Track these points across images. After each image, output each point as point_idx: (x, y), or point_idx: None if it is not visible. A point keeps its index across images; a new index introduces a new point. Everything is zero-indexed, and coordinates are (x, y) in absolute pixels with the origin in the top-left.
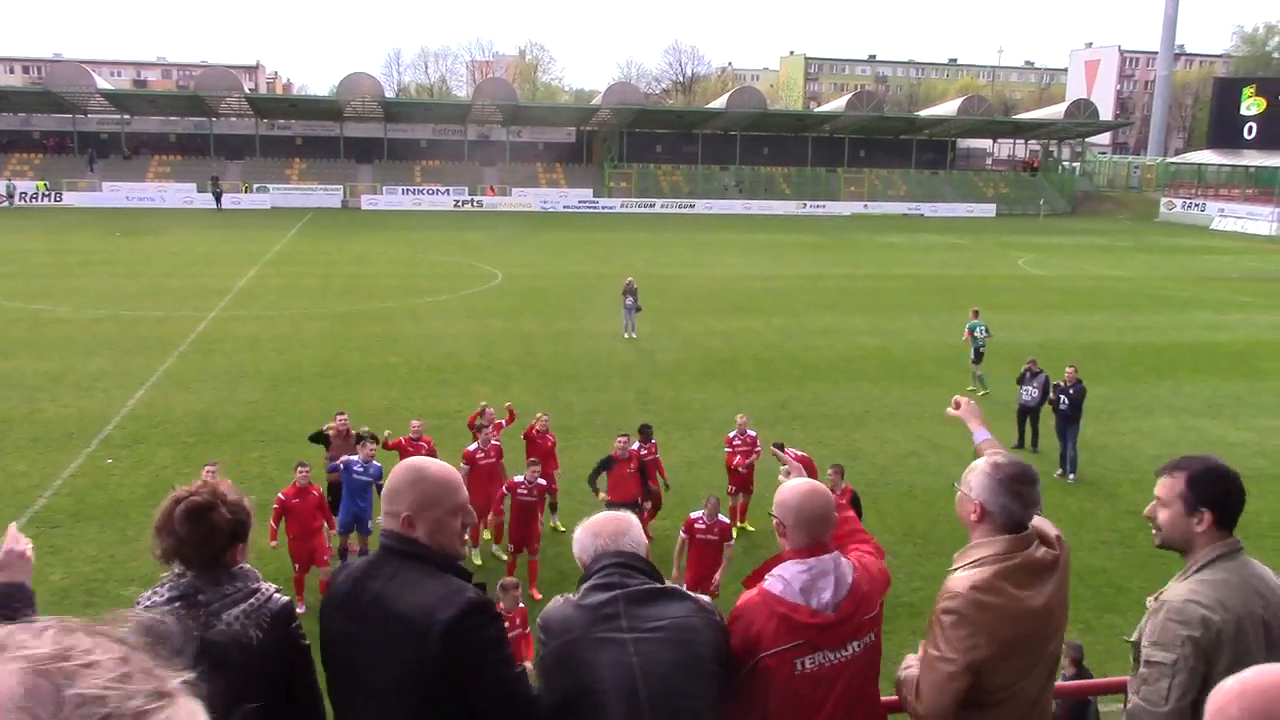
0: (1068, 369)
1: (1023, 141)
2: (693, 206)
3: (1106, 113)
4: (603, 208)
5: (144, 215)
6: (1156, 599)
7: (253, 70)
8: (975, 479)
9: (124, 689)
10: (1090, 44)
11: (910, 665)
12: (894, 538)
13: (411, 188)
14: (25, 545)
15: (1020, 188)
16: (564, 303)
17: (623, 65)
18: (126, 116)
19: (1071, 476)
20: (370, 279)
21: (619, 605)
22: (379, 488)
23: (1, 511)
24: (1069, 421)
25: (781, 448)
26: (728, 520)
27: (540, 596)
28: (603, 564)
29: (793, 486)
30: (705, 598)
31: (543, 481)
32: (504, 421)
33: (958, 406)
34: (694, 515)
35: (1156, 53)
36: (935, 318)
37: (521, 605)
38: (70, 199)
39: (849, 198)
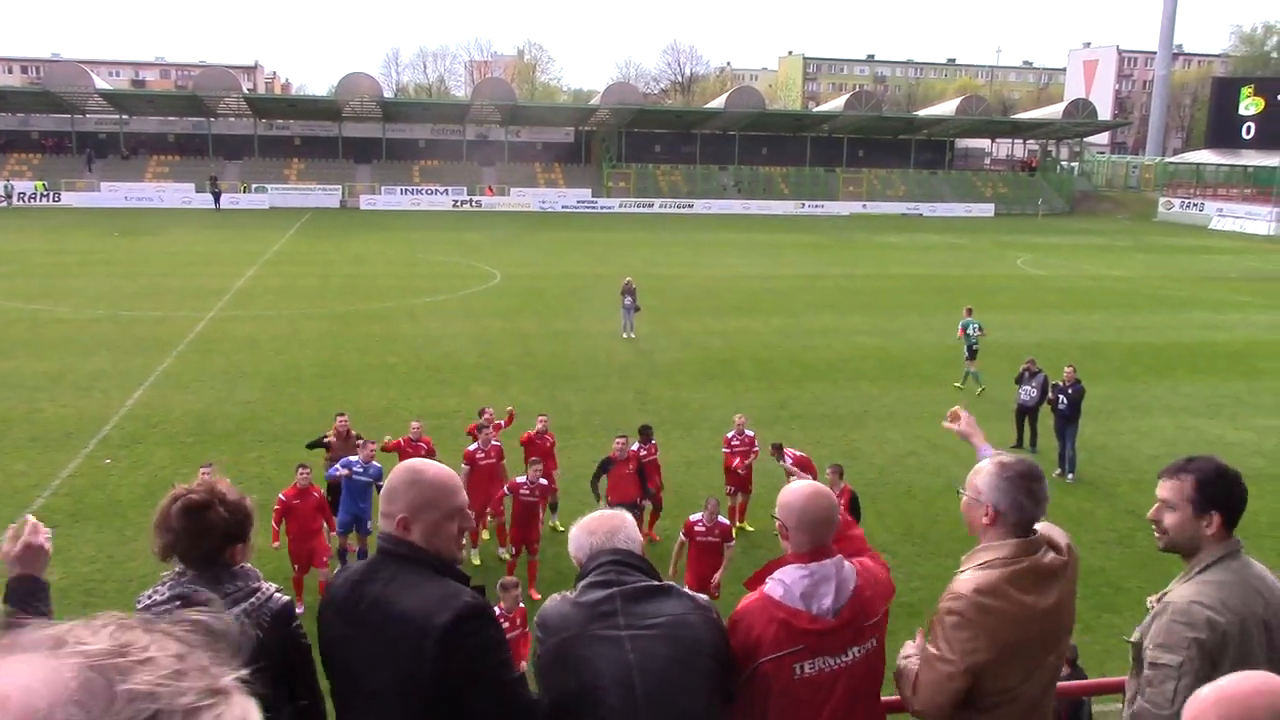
0: (1066, 369)
1: (1021, 141)
2: (691, 206)
3: (1105, 112)
4: (601, 208)
5: (142, 215)
6: (1158, 600)
7: (251, 70)
8: (983, 481)
9: (176, 685)
10: (1089, 44)
11: (910, 654)
12: (892, 537)
13: (410, 188)
14: (43, 537)
15: (1019, 188)
16: (562, 303)
17: (621, 65)
18: (125, 116)
19: (1070, 476)
20: (369, 279)
21: (616, 602)
22: (379, 488)
23: (0, 512)
24: (1068, 421)
25: (780, 448)
26: (727, 521)
27: (539, 596)
28: (599, 561)
29: (796, 489)
30: (702, 596)
31: (544, 482)
32: (503, 422)
33: (956, 418)
34: (693, 518)
35: (1155, 53)
36: (934, 317)
37: (521, 605)
38: (69, 199)
39: (847, 198)
